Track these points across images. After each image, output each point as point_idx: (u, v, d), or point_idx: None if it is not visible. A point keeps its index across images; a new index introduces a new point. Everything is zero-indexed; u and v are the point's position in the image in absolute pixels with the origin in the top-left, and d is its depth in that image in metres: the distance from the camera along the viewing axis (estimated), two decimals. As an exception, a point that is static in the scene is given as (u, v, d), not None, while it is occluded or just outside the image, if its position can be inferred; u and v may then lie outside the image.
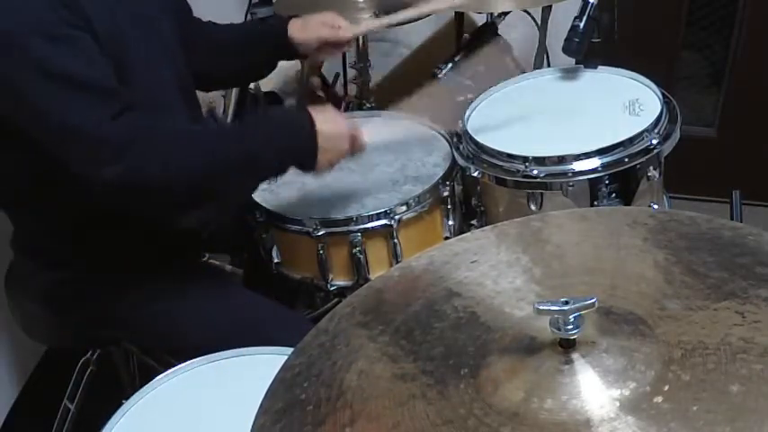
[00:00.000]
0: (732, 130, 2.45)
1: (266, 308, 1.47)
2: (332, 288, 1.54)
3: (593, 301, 0.72)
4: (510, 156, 1.44)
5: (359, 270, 1.50)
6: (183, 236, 1.49)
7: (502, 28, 1.93)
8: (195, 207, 1.37)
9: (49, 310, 1.47)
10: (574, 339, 0.73)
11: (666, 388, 0.68)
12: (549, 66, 2.23)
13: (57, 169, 1.23)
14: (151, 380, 1.19)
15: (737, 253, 0.81)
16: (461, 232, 1.50)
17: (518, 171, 1.42)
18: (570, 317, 0.72)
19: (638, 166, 1.41)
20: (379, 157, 1.65)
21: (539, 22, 2.23)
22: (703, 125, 2.51)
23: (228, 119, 2.31)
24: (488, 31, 1.89)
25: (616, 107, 1.51)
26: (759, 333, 0.71)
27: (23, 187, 1.35)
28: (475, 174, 1.48)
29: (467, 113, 1.59)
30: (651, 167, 1.42)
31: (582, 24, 1.54)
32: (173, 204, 1.32)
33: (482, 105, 1.63)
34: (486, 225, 1.10)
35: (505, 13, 1.90)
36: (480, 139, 1.49)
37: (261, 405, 0.79)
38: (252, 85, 2.43)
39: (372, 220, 1.47)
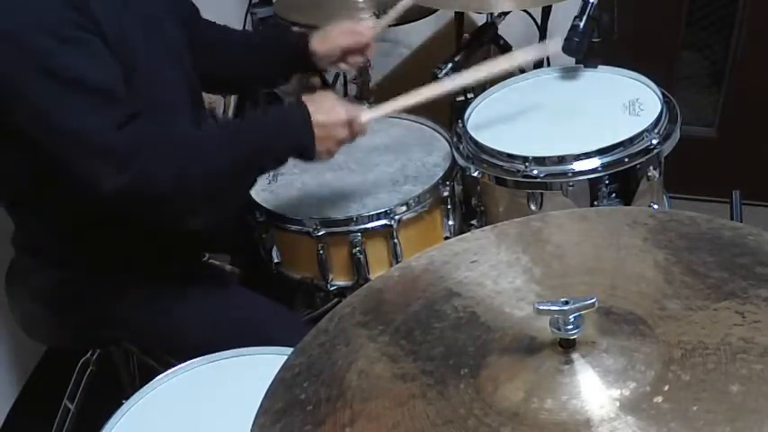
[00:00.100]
0: (732, 130, 2.45)
1: (266, 308, 1.47)
2: (332, 288, 1.54)
3: (593, 301, 0.71)
4: (510, 156, 1.44)
5: (359, 270, 1.50)
6: (183, 236, 1.49)
7: (502, 28, 1.92)
8: (195, 213, 1.37)
9: (50, 310, 1.47)
10: (574, 339, 0.73)
11: (666, 388, 0.68)
12: (549, 66, 2.23)
13: (57, 169, 1.23)
14: (151, 380, 1.19)
15: (737, 253, 0.81)
16: (461, 232, 1.50)
17: (518, 171, 1.42)
18: (570, 317, 0.72)
19: (638, 166, 1.41)
20: (378, 157, 1.65)
21: (539, 22, 2.23)
22: (703, 125, 2.51)
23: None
24: (488, 31, 1.89)
25: (616, 107, 1.51)
26: (759, 333, 0.71)
27: (24, 186, 1.35)
28: (475, 174, 1.48)
29: (467, 113, 1.59)
30: (651, 167, 1.42)
31: (582, 24, 1.54)
32: (175, 211, 1.32)
33: (482, 105, 1.63)
34: (486, 225, 1.10)
35: (505, 13, 1.89)
36: (480, 139, 1.49)
37: (261, 405, 0.79)
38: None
39: (372, 220, 1.47)
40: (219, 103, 2.36)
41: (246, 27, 2.40)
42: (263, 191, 1.61)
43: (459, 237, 0.98)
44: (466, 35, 2.03)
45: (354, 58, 1.61)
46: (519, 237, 0.94)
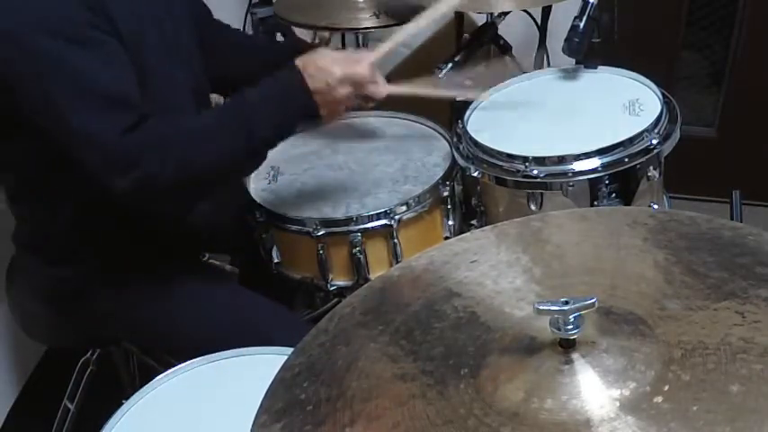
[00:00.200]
0: (732, 130, 2.45)
1: (266, 308, 1.47)
2: (332, 288, 1.54)
3: (593, 301, 0.71)
4: (510, 156, 1.44)
5: (359, 270, 1.50)
6: (183, 236, 1.49)
7: (502, 28, 1.92)
8: (205, 197, 1.39)
9: (50, 309, 1.47)
10: (574, 339, 0.73)
11: (666, 388, 0.68)
12: (549, 66, 2.23)
13: (64, 162, 1.24)
14: (151, 380, 1.19)
15: (737, 253, 0.81)
16: (461, 232, 1.50)
17: (518, 171, 1.42)
18: (570, 317, 0.72)
19: (638, 166, 1.41)
20: (378, 157, 1.65)
21: (539, 22, 2.23)
22: (703, 125, 2.51)
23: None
24: (488, 31, 1.89)
25: (616, 107, 1.51)
26: (759, 333, 0.71)
27: (30, 176, 1.36)
28: (475, 174, 1.48)
29: (467, 113, 1.59)
30: (651, 167, 1.42)
31: (582, 24, 1.54)
32: (182, 202, 1.34)
33: (482, 105, 1.63)
34: (486, 225, 1.10)
35: (505, 13, 1.89)
36: (480, 139, 1.49)
37: (261, 405, 0.79)
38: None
39: (372, 220, 1.47)
40: (219, 104, 2.35)
41: (246, 27, 2.39)
42: (263, 191, 1.61)
43: (459, 237, 0.98)
44: (466, 35, 2.03)
45: None
46: (519, 237, 0.94)
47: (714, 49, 2.46)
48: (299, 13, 2.01)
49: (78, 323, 1.48)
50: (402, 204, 1.48)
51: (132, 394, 1.17)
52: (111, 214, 1.34)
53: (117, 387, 1.69)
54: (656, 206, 1.48)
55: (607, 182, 1.40)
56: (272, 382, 0.82)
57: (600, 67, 1.64)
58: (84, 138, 1.20)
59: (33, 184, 1.37)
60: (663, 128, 1.43)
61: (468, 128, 1.54)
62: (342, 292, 1.54)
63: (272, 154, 1.69)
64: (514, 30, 2.17)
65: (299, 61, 1.33)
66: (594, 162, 1.39)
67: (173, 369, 1.20)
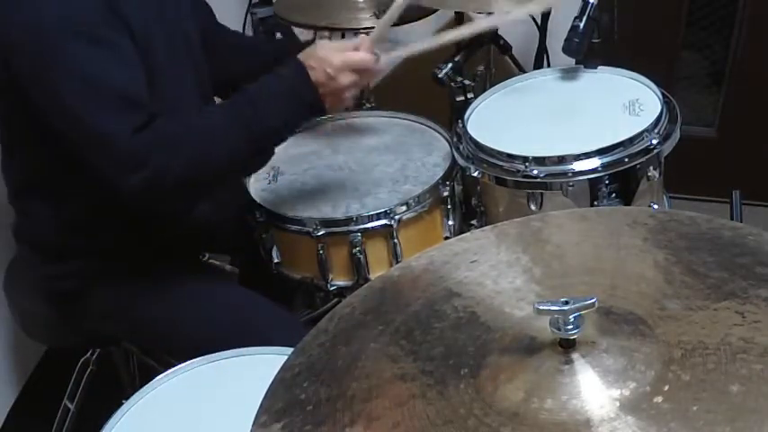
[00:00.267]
0: (732, 130, 2.45)
1: (266, 308, 1.47)
2: (332, 288, 1.54)
3: (593, 301, 0.71)
4: (510, 156, 1.44)
5: (359, 270, 1.50)
6: (183, 236, 1.49)
7: (502, 28, 1.93)
8: (213, 194, 1.41)
9: (50, 308, 1.47)
10: (574, 339, 0.73)
11: (666, 388, 0.68)
12: (549, 66, 2.23)
13: (75, 163, 1.26)
14: (151, 380, 1.19)
15: (737, 253, 0.81)
16: (461, 232, 1.50)
17: (518, 171, 1.42)
18: (570, 317, 0.72)
19: (638, 166, 1.41)
20: (378, 157, 1.65)
21: (539, 22, 2.23)
22: (703, 125, 2.50)
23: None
24: (488, 31, 1.89)
25: (616, 107, 1.51)
26: (759, 333, 0.71)
27: (39, 173, 1.36)
28: (475, 174, 1.48)
29: (467, 113, 1.59)
30: (651, 167, 1.42)
31: (582, 24, 1.54)
32: (195, 197, 1.37)
33: (482, 105, 1.63)
34: (486, 225, 1.10)
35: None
36: (480, 139, 1.49)
37: (261, 405, 0.79)
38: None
39: (372, 220, 1.47)
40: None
41: (246, 27, 2.39)
42: (263, 191, 1.61)
43: (459, 237, 0.98)
44: (466, 35, 2.02)
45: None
46: (519, 237, 0.94)
47: (714, 49, 2.46)
48: (299, 13, 2.01)
49: (78, 323, 1.48)
50: (402, 204, 1.48)
51: (132, 394, 1.17)
52: (113, 215, 1.35)
53: (117, 387, 1.69)
54: (656, 206, 1.48)
55: (607, 182, 1.40)
56: (272, 382, 0.82)
57: (600, 67, 1.64)
58: (95, 137, 1.21)
59: (41, 181, 1.37)
60: (663, 128, 1.43)
61: (468, 128, 1.54)
62: (342, 292, 1.54)
63: (271, 154, 1.69)
64: (514, 30, 2.17)
65: (300, 56, 1.33)
66: (594, 162, 1.39)
67: (173, 369, 1.20)
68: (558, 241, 0.92)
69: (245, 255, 1.70)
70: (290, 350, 0.87)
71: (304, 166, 1.66)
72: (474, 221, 1.60)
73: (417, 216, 1.51)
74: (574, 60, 1.63)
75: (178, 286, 1.45)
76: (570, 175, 1.40)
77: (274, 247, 1.57)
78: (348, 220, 1.47)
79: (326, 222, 1.48)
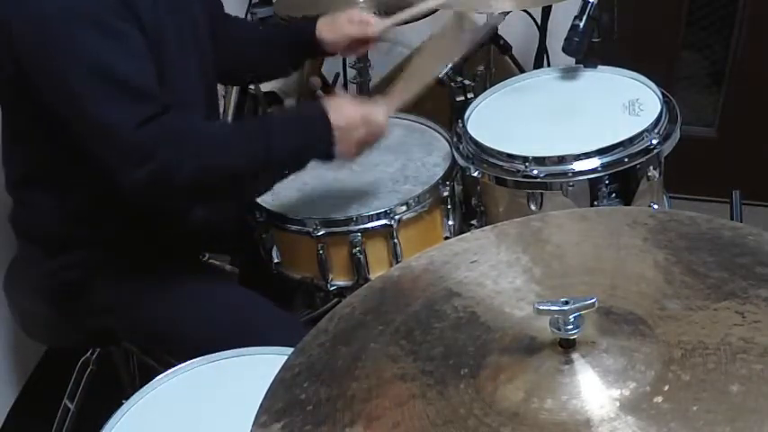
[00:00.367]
0: (732, 130, 2.45)
1: (266, 308, 1.47)
2: (332, 288, 1.54)
3: (593, 301, 0.71)
4: (510, 156, 1.44)
5: (359, 270, 1.50)
6: (183, 236, 1.49)
7: (502, 28, 1.93)
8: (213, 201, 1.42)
9: (49, 308, 1.46)
10: (574, 339, 0.73)
11: (666, 388, 0.68)
12: (549, 66, 2.23)
13: (80, 154, 1.26)
14: (151, 380, 1.19)
15: (737, 253, 0.81)
16: (461, 232, 1.50)
17: (518, 171, 1.42)
18: (570, 317, 0.72)
19: (638, 166, 1.41)
20: (379, 157, 1.65)
21: (539, 22, 2.23)
22: (703, 125, 2.50)
23: (228, 119, 2.31)
24: (488, 32, 1.89)
25: (616, 107, 1.51)
26: (759, 333, 0.71)
27: (42, 165, 1.36)
28: (475, 174, 1.48)
29: (467, 113, 1.59)
30: (651, 167, 1.42)
31: (582, 24, 1.54)
32: (197, 201, 1.37)
33: (482, 105, 1.63)
34: (486, 225, 1.10)
35: (505, 13, 1.90)
36: (480, 139, 1.49)
37: (261, 405, 0.79)
38: (252, 85, 2.43)
39: (372, 220, 1.47)
40: (219, 104, 2.36)
41: (246, 27, 2.39)
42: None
43: (459, 237, 0.98)
44: (466, 35, 2.02)
45: (357, 48, 1.61)
46: (519, 237, 0.94)
47: (714, 49, 2.46)
48: (298, 13, 2.01)
49: (79, 320, 1.48)
50: (402, 204, 1.48)
51: (132, 394, 1.17)
52: (116, 206, 1.34)
53: (117, 387, 1.69)
54: (656, 206, 1.48)
55: (607, 182, 1.40)
56: (272, 382, 0.82)
57: (600, 67, 1.64)
58: (100, 127, 1.21)
59: (45, 171, 1.37)
60: (663, 128, 1.44)
61: (468, 128, 1.54)
62: (342, 292, 1.54)
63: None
64: (514, 30, 2.17)
65: (323, 101, 1.35)
66: (594, 162, 1.39)
67: (173, 369, 1.20)
68: (558, 241, 0.92)
69: (245, 255, 1.70)
70: (290, 350, 0.87)
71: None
72: (474, 221, 1.60)
73: (417, 216, 1.51)
74: (574, 60, 1.63)
75: (178, 286, 1.45)
76: (570, 175, 1.40)
77: (274, 247, 1.57)
78: (348, 220, 1.47)
79: (326, 222, 1.48)
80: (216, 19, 1.53)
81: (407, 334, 0.83)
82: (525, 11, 2.15)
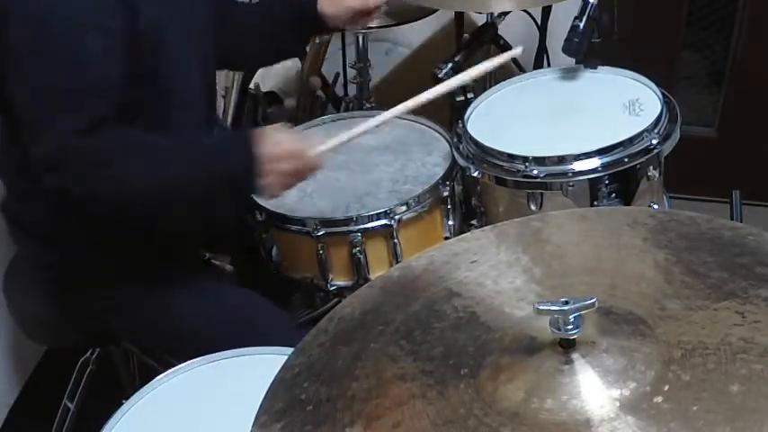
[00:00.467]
0: (732, 130, 2.45)
1: (266, 308, 1.47)
2: (332, 288, 1.54)
3: (593, 301, 0.71)
4: (510, 156, 1.44)
5: (359, 270, 1.50)
6: (183, 236, 1.49)
7: (502, 28, 1.92)
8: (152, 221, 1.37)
9: (50, 303, 1.46)
10: (574, 339, 0.73)
11: (666, 388, 0.68)
12: (549, 66, 2.23)
13: None
14: (151, 380, 1.19)
15: (737, 253, 0.81)
16: (461, 232, 1.50)
17: (518, 171, 1.42)
18: (570, 317, 0.72)
19: (638, 166, 1.41)
20: (379, 157, 1.65)
21: (539, 22, 2.23)
22: (703, 125, 2.51)
23: (228, 119, 2.31)
24: (488, 31, 1.89)
25: (616, 107, 1.51)
26: (759, 333, 0.71)
27: None
28: (475, 174, 1.48)
29: (467, 113, 1.59)
30: (651, 167, 1.42)
31: (582, 24, 1.54)
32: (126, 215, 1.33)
33: (482, 105, 1.63)
34: (486, 225, 1.10)
35: (505, 13, 1.90)
36: (480, 139, 1.49)
37: (261, 405, 0.79)
38: (252, 85, 2.43)
39: (372, 220, 1.47)
40: (219, 104, 2.35)
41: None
42: (263, 191, 1.61)
43: (459, 237, 0.98)
44: (466, 35, 2.03)
45: (359, 20, 1.60)
46: (519, 237, 0.94)
47: (714, 49, 2.46)
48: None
49: (78, 322, 1.48)
50: (402, 204, 1.48)
51: (132, 394, 1.17)
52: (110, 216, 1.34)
53: (117, 387, 1.69)
54: (656, 206, 1.48)
55: (607, 182, 1.40)
56: (273, 383, 0.82)
57: (600, 67, 1.64)
58: (30, 121, 1.22)
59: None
60: (663, 128, 1.43)
61: (468, 128, 1.54)
62: (342, 292, 1.54)
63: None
64: (514, 30, 2.17)
65: (257, 131, 1.31)
66: (594, 162, 1.39)
67: (173, 369, 1.21)
68: (558, 241, 0.92)
69: (245, 255, 1.70)
70: (290, 350, 0.87)
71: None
72: (474, 221, 1.60)
73: (417, 216, 1.51)
74: (574, 60, 1.63)
75: (178, 286, 1.45)
76: (570, 175, 1.40)
77: (274, 247, 1.57)
78: (348, 220, 1.47)
79: (326, 222, 1.48)
80: (221, 8, 1.52)
81: (407, 334, 0.83)
82: (525, 11, 2.15)
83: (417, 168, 1.61)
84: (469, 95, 1.70)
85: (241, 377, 1.18)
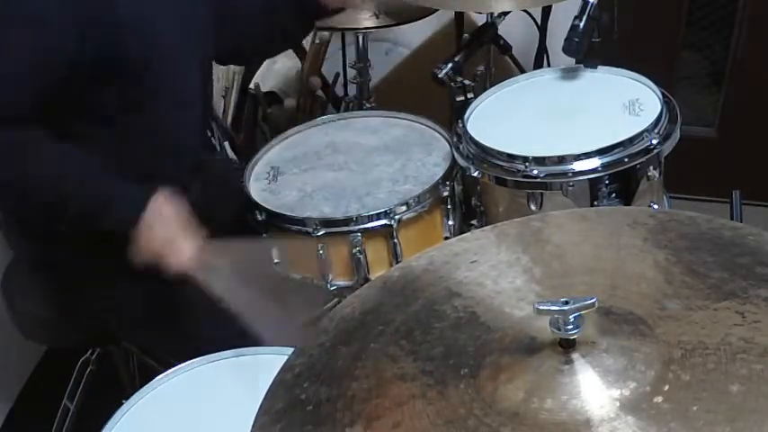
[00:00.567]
0: (732, 130, 2.45)
1: (266, 309, 1.47)
2: (332, 288, 1.54)
3: (593, 301, 0.71)
4: (510, 156, 1.44)
5: (359, 270, 1.50)
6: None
7: (502, 28, 1.92)
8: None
9: (50, 303, 1.46)
10: (574, 339, 0.73)
11: (666, 388, 0.68)
12: (549, 66, 2.23)
13: (68, 139, 1.24)
14: (151, 380, 1.19)
15: (737, 253, 0.81)
16: (461, 232, 1.50)
17: (518, 171, 1.42)
18: (570, 317, 0.72)
19: (638, 166, 1.41)
20: (379, 157, 1.65)
21: (539, 22, 2.23)
22: (703, 125, 2.51)
23: (228, 119, 2.31)
24: (488, 31, 1.89)
25: (616, 107, 1.51)
26: (759, 333, 0.71)
27: None
28: (475, 174, 1.48)
29: (467, 113, 1.59)
30: (651, 167, 1.42)
31: (582, 24, 1.54)
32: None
33: (482, 105, 1.63)
34: (486, 225, 1.10)
35: (505, 13, 1.90)
36: (480, 139, 1.49)
37: (261, 405, 0.79)
38: (252, 85, 2.43)
39: (372, 220, 1.47)
40: (219, 104, 2.36)
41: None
42: (264, 191, 1.61)
43: (459, 237, 0.98)
44: (466, 35, 2.03)
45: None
46: (519, 237, 0.94)
47: (714, 49, 2.46)
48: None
49: (78, 322, 1.48)
50: (402, 204, 1.48)
51: (132, 394, 1.17)
52: None
53: (117, 387, 1.69)
54: (656, 206, 1.48)
55: (607, 182, 1.40)
56: (273, 383, 0.82)
57: (600, 67, 1.64)
58: None
59: None
60: (663, 128, 1.43)
61: (468, 128, 1.54)
62: (342, 292, 1.54)
63: (272, 154, 1.70)
64: (514, 30, 2.17)
65: (160, 196, 1.29)
66: (594, 162, 1.39)
67: (173, 369, 1.21)
68: (558, 241, 0.92)
69: (244, 254, 1.70)
70: (289, 350, 0.87)
71: (304, 166, 1.66)
72: (474, 221, 1.60)
73: (417, 216, 1.51)
74: (574, 60, 1.63)
75: (178, 286, 1.45)
76: (570, 175, 1.40)
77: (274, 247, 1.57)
78: (348, 220, 1.47)
79: (326, 222, 1.48)
80: (221, 8, 1.52)
81: (407, 334, 0.83)
82: (525, 11, 2.15)
83: (417, 168, 1.61)
84: (469, 95, 1.70)
85: (241, 377, 1.18)
